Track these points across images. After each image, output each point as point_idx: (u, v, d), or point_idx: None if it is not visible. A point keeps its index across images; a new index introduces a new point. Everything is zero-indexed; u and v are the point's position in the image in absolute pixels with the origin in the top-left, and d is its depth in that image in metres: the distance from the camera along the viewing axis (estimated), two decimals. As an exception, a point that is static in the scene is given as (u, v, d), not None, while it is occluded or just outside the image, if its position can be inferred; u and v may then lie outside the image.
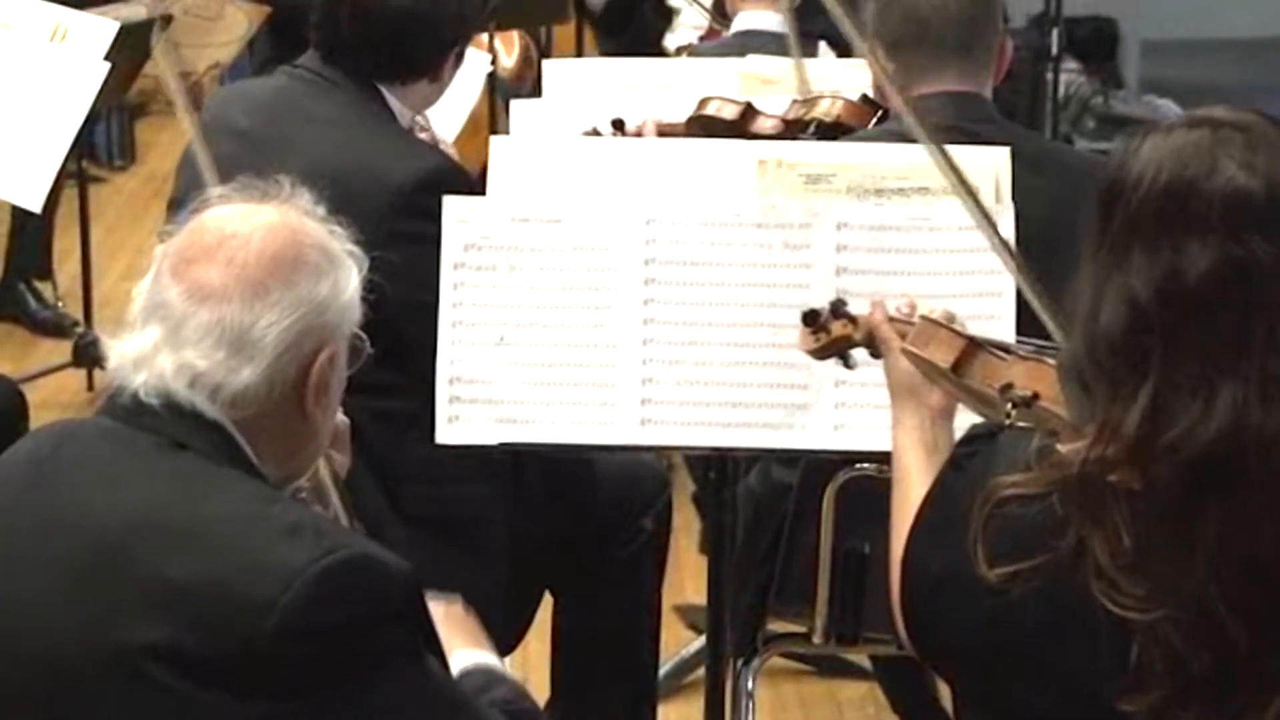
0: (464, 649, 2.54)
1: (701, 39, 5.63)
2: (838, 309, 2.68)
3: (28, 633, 2.20)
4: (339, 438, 2.63)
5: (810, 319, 2.70)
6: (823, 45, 4.95)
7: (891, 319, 2.60)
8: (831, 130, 3.74)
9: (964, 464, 2.19)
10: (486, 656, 2.57)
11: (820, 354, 2.74)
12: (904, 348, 2.52)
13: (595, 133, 3.91)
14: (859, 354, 2.75)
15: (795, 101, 3.94)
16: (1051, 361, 2.28)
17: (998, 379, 2.37)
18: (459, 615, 2.62)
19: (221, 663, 2.11)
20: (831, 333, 2.68)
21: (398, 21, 3.55)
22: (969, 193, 2.78)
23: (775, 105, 3.94)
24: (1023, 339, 2.55)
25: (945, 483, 2.21)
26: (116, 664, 2.13)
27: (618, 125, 3.91)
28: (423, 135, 3.80)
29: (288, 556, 2.13)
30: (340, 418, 2.58)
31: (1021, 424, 2.26)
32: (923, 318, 2.54)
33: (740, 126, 3.87)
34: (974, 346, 2.45)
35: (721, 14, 5.37)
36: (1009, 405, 2.30)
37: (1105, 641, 2.00)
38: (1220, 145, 2.01)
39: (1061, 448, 2.05)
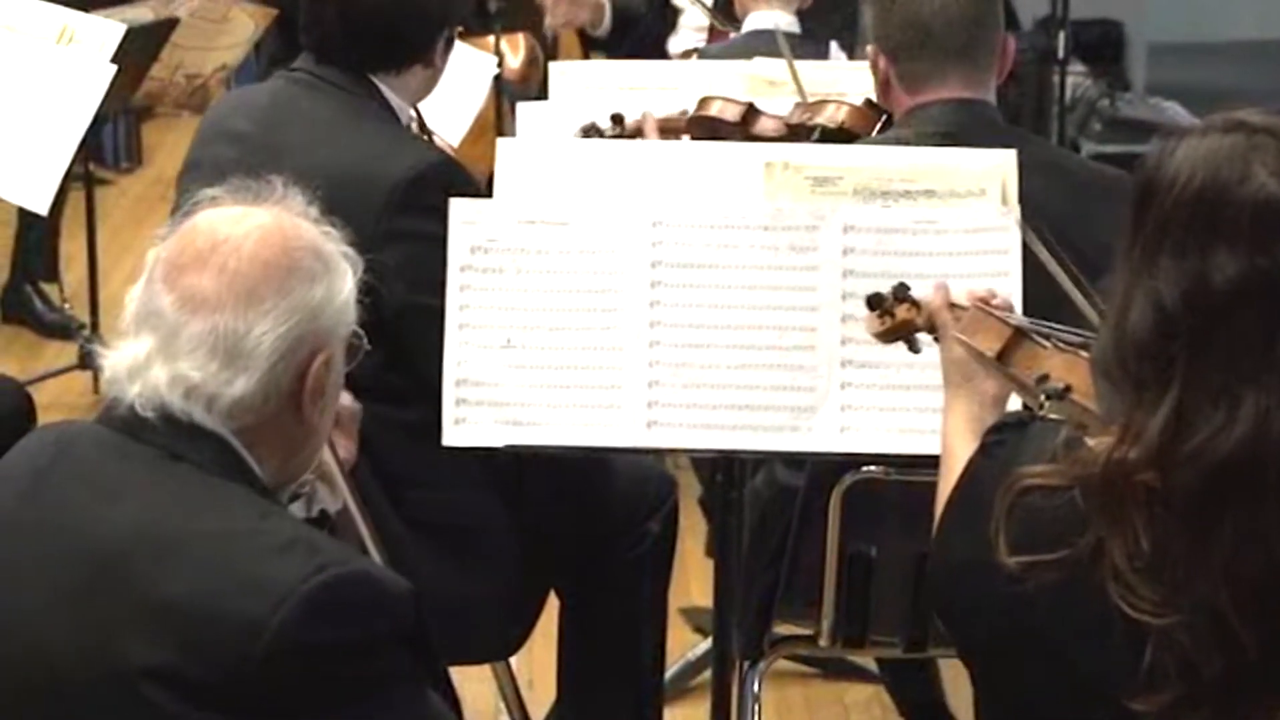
0: None
1: (707, 40, 5.62)
2: (900, 293, 2.68)
3: (25, 649, 2.19)
4: (345, 425, 2.61)
5: (875, 302, 2.71)
6: (834, 46, 4.95)
7: (951, 305, 2.61)
8: (836, 136, 3.73)
9: (993, 451, 2.20)
10: None
11: (885, 338, 2.74)
12: (954, 334, 2.53)
13: (594, 127, 3.91)
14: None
15: (799, 105, 3.93)
16: (1087, 355, 2.29)
17: (1037, 368, 2.39)
18: None
19: (216, 683, 2.08)
20: (896, 317, 2.69)
21: (384, 9, 3.55)
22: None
23: (779, 107, 3.94)
24: (1072, 330, 2.55)
25: (974, 468, 2.22)
26: (114, 683, 2.11)
27: (616, 120, 3.90)
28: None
29: (280, 574, 2.11)
30: (350, 404, 2.56)
31: (1054, 415, 2.27)
32: (975, 305, 2.55)
33: (742, 128, 3.87)
34: (1019, 336, 2.46)
35: (728, 15, 5.37)
36: (1043, 396, 2.32)
37: (1119, 640, 2.00)
38: (1254, 151, 2.01)
39: (1090, 442, 2.06)
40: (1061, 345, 2.43)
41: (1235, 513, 1.97)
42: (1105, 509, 2.00)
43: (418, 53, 3.60)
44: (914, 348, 2.74)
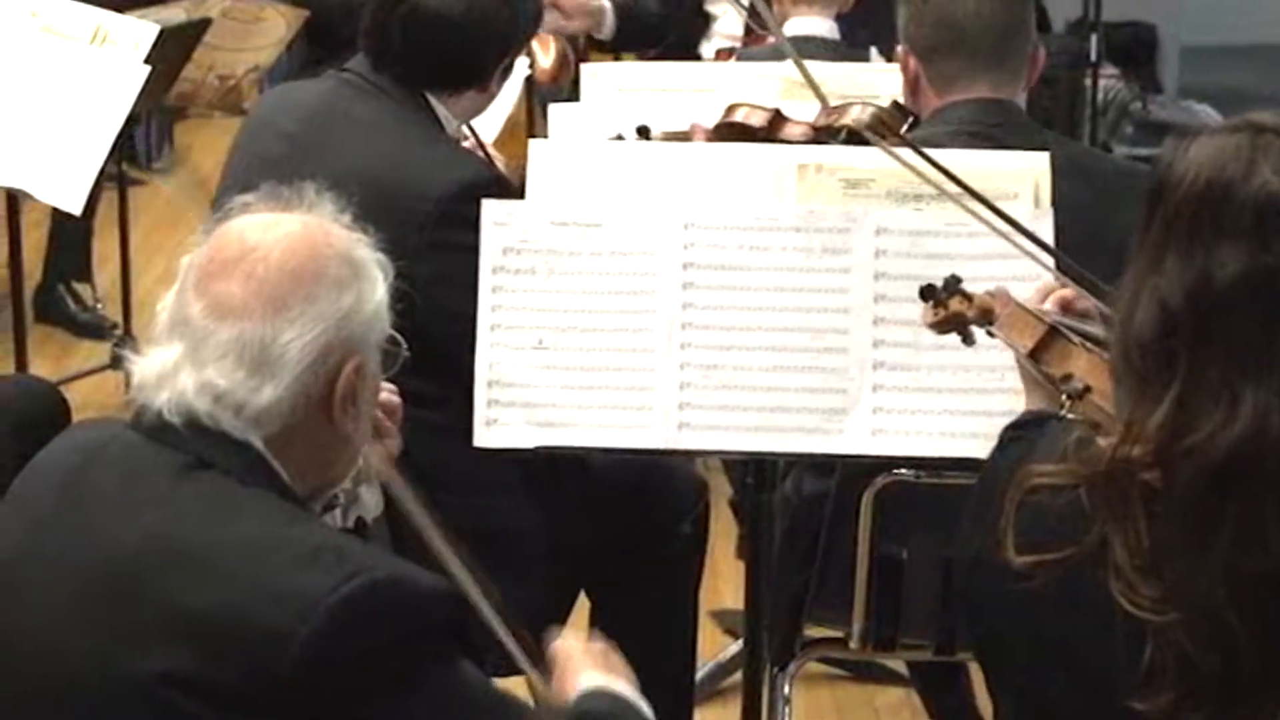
0: (594, 672, 2.45)
1: (746, 43, 5.61)
2: (951, 285, 2.68)
3: (45, 655, 2.19)
4: (384, 423, 2.59)
5: (927, 293, 2.71)
6: (873, 52, 4.94)
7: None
8: (861, 138, 3.73)
9: (1009, 448, 2.20)
10: (619, 685, 2.47)
11: (939, 329, 2.73)
12: (992, 330, 2.53)
13: (619, 139, 3.91)
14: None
15: (824, 109, 3.93)
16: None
17: (1064, 368, 2.39)
18: (596, 651, 2.52)
19: (240, 691, 2.08)
20: (948, 308, 2.69)
21: (450, 33, 3.55)
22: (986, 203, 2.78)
23: (808, 112, 3.93)
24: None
25: (991, 464, 2.22)
26: (131, 689, 2.11)
27: (642, 132, 3.90)
28: (465, 144, 3.80)
29: (307, 585, 2.10)
30: (391, 398, 2.55)
31: (1073, 415, 2.27)
32: (1015, 302, 2.54)
33: (768, 134, 3.86)
34: (1053, 334, 2.45)
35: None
36: (1064, 396, 2.32)
37: (1120, 638, 2.00)
38: (1260, 150, 2.01)
39: (1100, 441, 2.06)
40: (1090, 346, 2.43)
41: (1234, 511, 1.97)
42: (1108, 506, 2.01)
43: (475, 79, 3.61)
44: (968, 340, 2.73)
